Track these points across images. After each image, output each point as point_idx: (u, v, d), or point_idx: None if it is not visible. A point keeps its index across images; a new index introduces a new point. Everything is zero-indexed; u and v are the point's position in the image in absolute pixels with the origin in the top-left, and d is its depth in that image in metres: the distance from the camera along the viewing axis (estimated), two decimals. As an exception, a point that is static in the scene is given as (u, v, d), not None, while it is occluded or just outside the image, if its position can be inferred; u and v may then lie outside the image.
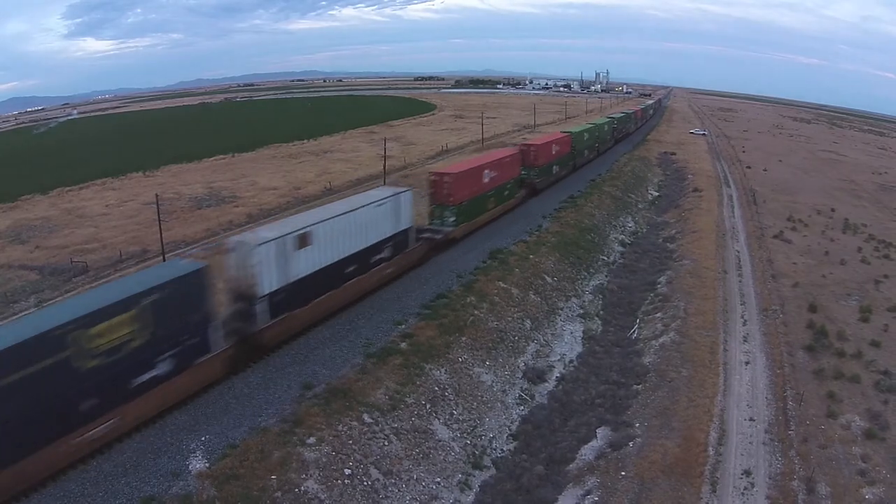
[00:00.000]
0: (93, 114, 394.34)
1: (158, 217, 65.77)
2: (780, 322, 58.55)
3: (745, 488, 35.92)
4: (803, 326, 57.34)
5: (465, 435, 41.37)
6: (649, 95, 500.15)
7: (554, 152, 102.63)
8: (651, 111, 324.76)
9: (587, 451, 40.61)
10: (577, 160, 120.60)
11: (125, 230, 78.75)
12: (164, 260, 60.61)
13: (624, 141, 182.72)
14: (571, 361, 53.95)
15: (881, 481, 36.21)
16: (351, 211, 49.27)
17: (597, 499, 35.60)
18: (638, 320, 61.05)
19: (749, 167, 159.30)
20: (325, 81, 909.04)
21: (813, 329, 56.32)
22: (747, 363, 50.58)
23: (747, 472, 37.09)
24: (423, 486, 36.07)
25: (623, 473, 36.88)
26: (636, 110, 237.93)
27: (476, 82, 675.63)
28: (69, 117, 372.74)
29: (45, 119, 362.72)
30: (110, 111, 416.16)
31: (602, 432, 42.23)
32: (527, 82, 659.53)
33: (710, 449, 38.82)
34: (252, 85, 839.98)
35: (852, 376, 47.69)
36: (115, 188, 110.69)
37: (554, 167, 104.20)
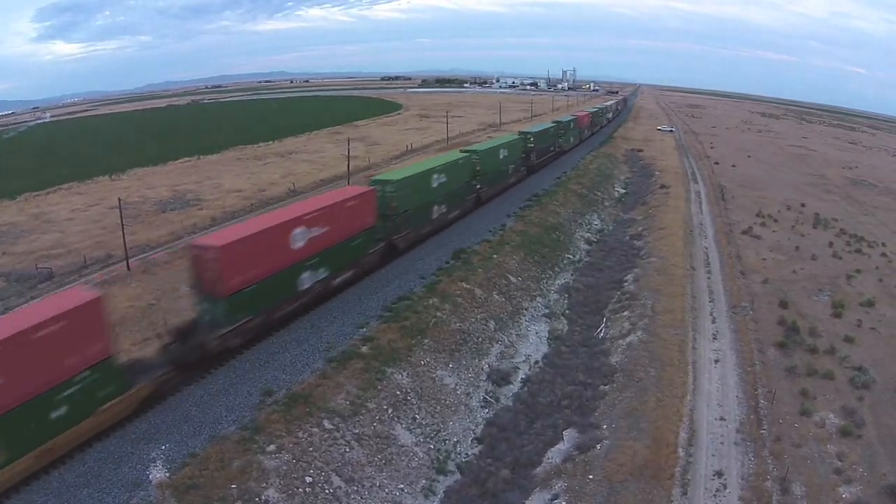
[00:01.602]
0: (62, 117, 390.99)
1: (122, 222, 65.70)
2: (751, 319, 58.05)
3: (718, 490, 35.12)
4: (774, 323, 56.92)
5: (428, 439, 40.52)
6: (616, 93, 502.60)
7: (300, 246, 46.95)
8: (610, 114, 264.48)
9: (554, 454, 39.79)
10: (402, 233, 64.09)
11: (90, 235, 78.54)
12: (128, 266, 61.25)
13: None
14: (537, 362, 53.09)
15: (858, 479, 35.74)
16: None
17: (564, 502, 34.70)
18: (605, 319, 60.19)
19: (717, 163, 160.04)
20: (291, 82, 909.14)
21: (784, 325, 55.91)
22: (717, 361, 49.81)
23: (719, 473, 36.31)
24: (387, 493, 35.32)
25: (591, 476, 36.02)
26: (580, 116, 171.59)
27: (443, 81, 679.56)
28: (40, 121, 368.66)
29: (14, 123, 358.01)
30: (79, 114, 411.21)
31: (569, 434, 41.42)
32: (493, 81, 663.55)
33: (681, 450, 38.00)
34: (219, 87, 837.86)
35: (826, 373, 47.22)
36: (82, 192, 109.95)
37: (301, 278, 48.09)
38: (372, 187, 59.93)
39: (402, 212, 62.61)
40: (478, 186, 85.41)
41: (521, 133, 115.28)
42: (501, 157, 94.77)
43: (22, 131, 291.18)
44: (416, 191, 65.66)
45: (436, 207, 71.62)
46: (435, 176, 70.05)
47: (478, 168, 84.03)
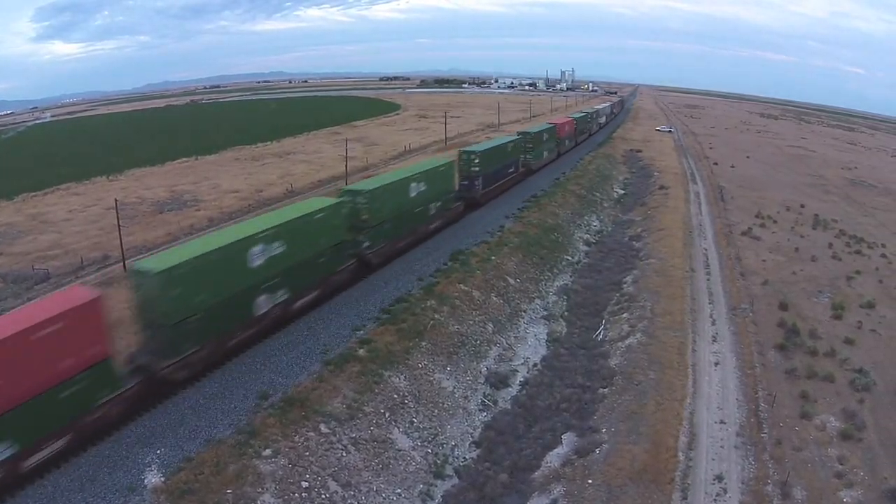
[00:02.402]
0: (61, 117, 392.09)
1: (118, 223, 65.64)
2: (750, 321, 57.78)
3: (718, 494, 34.88)
4: (774, 325, 56.61)
5: (425, 443, 40.16)
6: (615, 93, 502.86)
7: None
8: (602, 118, 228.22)
9: (553, 458, 39.52)
10: (182, 356, 38.27)
11: (87, 236, 78.29)
12: (125, 267, 60.17)
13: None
14: (535, 365, 52.66)
15: (859, 483, 35.46)
16: None
17: (563, 508, 34.32)
18: (604, 321, 59.91)
19: (716, 164, 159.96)
20: (290, 82, 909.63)
21: (784, 327, 55.61)
22: (717, 364, 49.55)
23: (719, 478, 36.06)
24: (384, 498, 34.99)
25: (590, 481, 35.78)
26: (560, 123, 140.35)
27: (441, 82, 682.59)
28: (39, 121, 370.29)
29: (13, 123, 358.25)
30: (78, 114, 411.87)
31: (568, 438, 41.18)
32: (492, 81, 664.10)
33: (680, 454, 37.78)
34: (218, 87, 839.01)
35: (826, 375, 46.91)
36: (80, 193, 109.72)
37: None
38: (95, 294, 34.02)
39: (177, 321, 37.47)
40: (365, 245, 57.73)
41: (462, 152, 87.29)
42: (414, 193, 65.88)
43: (21, 131, 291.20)
44: (210, 280, 39.55)
45: (263, 298, 44.47)
46: (256, 249, 43.22)
47: (364, 217, 57.17)
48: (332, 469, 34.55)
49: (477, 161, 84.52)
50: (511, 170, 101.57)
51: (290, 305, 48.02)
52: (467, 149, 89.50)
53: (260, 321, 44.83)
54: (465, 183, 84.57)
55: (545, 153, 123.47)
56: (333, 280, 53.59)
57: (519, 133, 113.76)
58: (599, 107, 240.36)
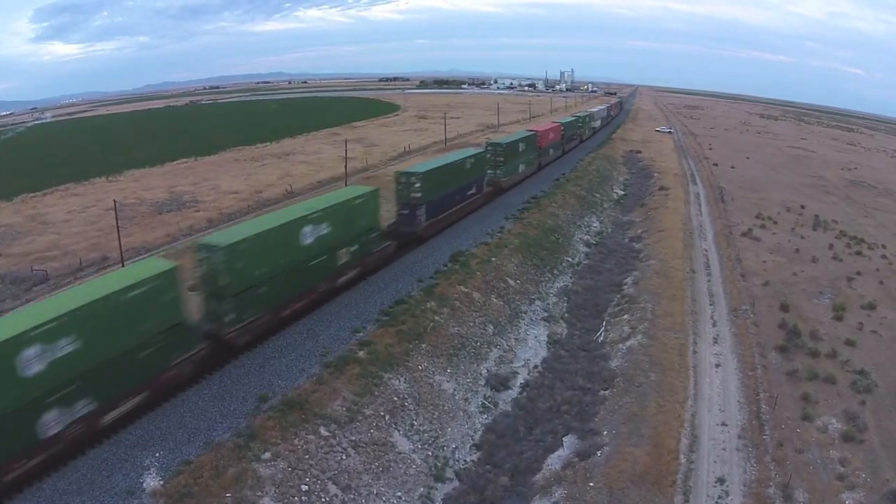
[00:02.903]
0: (61, 118, 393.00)
1: (117, 224, 65.57)
2: (751, 322, 57.52)
3: (720, 497, 34.77)
4: (775, 326, 56.28)
5: (426, 446, 40.04)
6: (615, 94, 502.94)
7: None
8: (597, 122, 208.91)
9: (553, 461, 39.40)
10: None
11: (86, 237, 78.10)
12: (123, 265, 59.40)
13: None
14: (536, 367, 52.49)
15: (861, 485, 35.28)
16: None
17: (564, 511, 34.11)
18: (604, 323, 59.74)
19: (716, 164, 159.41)
20: (290, 83, 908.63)
21: (785, 329, 55.28)
22: (718, 365, 49.37)
23: (721, 480, 35.95)
24: (384, 501, 34.88)
25: (591, 483, 35.61)
26: (543, 130, 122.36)
27: (440, 83, 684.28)
28: (39, 121, 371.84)
29: (13, 124, 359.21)
30: (78, 115, 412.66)
31: (569, 440, 41.05)
32: (491, 82, 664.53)
33: (682, 456, 37.64)
34: (217, 87, 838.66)
35: (827, 377, 46.65)
36: (79, 194, 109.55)
37: None
38: None
39: None
40: (228, 320, 41.89)
41: (399, 174, 69.17)
42: (310, 240, 48.64)
43: (20, 132, 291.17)
44: None
45: (52, 414, 30.91)
46: (30, 351, 29.40)
47: (223, 282, 41.32)
48: (331, 472, 34.39)
49: (418, 185, 66.67)
50: (472, 191, 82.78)
51: (98, 419, 33.75)
52: (406, 170, 70.50)
53: (51, 445, 31.27)
54: (405, 213, 67.93)
55: (521, 166, 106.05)
56: (168, 377, 38.03)
57: (489, 144, 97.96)
58: (594, 109, 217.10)
